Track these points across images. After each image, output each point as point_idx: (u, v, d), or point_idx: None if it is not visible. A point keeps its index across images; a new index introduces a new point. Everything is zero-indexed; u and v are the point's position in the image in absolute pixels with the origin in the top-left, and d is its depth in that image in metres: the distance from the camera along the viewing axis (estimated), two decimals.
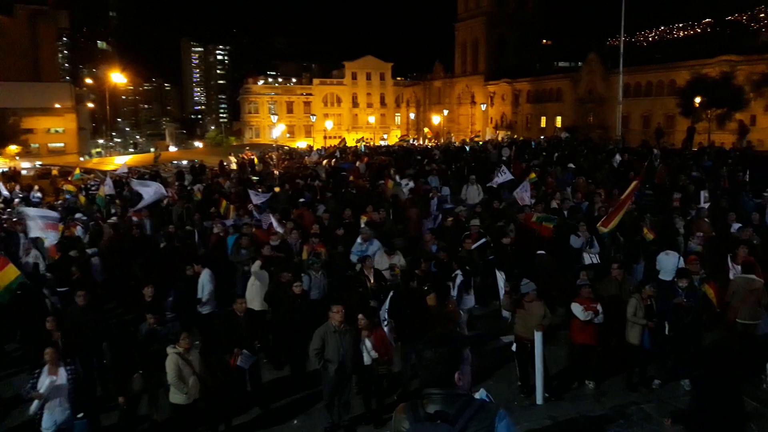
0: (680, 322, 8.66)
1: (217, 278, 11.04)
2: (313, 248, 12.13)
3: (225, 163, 34.26)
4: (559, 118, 69.12)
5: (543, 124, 72.27)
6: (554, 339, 9.59)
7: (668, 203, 15.55)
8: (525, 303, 8.75)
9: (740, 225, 12.45)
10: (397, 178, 20.68)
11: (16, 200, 22.52)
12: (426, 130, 70.87)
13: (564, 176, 20.35)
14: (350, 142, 61.42)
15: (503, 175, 19.04)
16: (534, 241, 12.52)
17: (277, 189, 20.48)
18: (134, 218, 16.15)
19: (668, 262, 10.92)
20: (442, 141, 52.63)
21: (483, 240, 12.18)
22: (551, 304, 9.40)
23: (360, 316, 8.11)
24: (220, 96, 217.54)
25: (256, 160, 37.83)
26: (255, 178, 26.36)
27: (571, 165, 22.31)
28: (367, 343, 7.98)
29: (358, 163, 27.88)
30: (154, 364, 7.91)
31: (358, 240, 12.03)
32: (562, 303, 10.57)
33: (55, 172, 37.49)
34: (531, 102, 74.91)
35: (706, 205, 14.59)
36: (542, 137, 49.48)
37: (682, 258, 11.01)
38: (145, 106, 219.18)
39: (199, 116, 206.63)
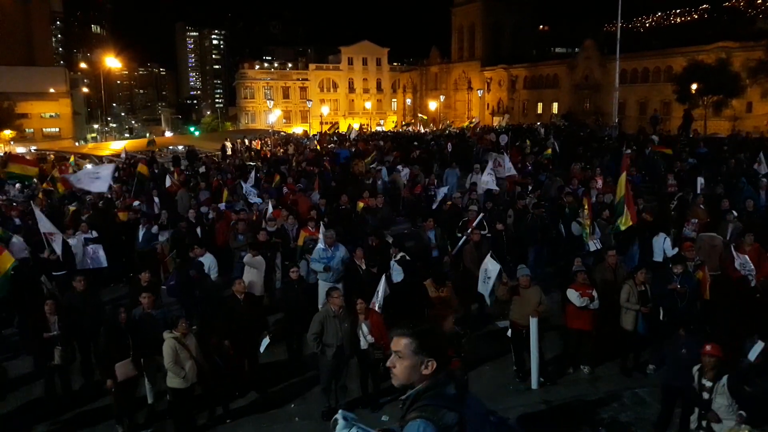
0: (674, 307, 8.70)
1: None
2: (310, 233, 12.12)
3: (228, 147, 34.28)
4: (555, 105, 68.99)
5: (539, 110, 72.11)
6: (549, 325, 9.63)
7: (663, 189, 15.61)
8: (520, 289, 8.77)
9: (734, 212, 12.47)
10: (399, 167, 20.54)
11: (17, 185, 22.37)
12: (421, 116, 70.55)
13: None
14: (344, 128, 61.16)
15: (506, 168, 18.54)
16: (531, 227, 12.54)
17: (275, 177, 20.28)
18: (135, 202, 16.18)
19: (656, 244, 11.15)
20: (441, 126, 52.38)
21: (481, 215, 12.20)
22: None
23: (358, 300, 8.14)
24: (215, 81, 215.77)
25: (257, 144, 37.81)
26: (251, 163, 26.26)
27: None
28: (364, 327, 8.01)
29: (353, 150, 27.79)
30: (151, 348, 7.93)
31: (320, 245, 10.43)
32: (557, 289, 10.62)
33: (51, 157, 37.24)
34: (528, 88, 74.67)
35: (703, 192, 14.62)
36: (538, 123, 49.34)
37: (668, 238, 11.13)
38: (141, 91, 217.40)
39: (195, 101, 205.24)
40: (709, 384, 5.99)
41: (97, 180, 16.49)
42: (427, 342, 2.63)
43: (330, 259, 10.19)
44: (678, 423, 6.95)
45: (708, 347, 6.06)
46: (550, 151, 21.95)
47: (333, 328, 7.84)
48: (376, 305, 8.45)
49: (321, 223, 11.35)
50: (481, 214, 12.44)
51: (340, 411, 2.66)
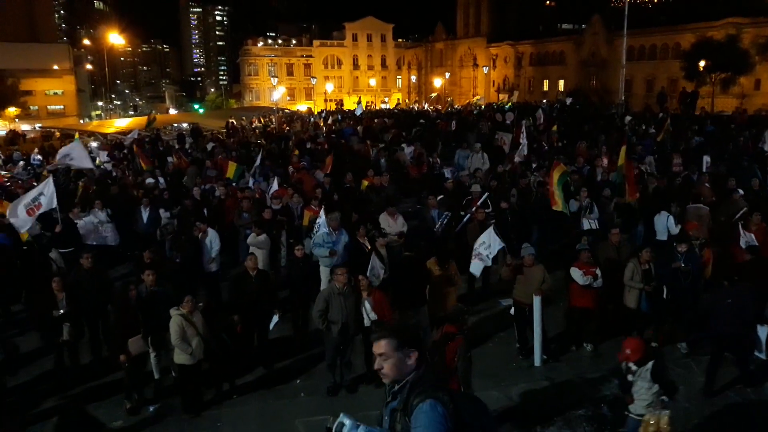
0: (678, 285, 8.71)
1: (221, 240, 11.15)
2: (314, 213, 12.14)
3: (233, 123, 34.18)
4: (561, 82, 68.28)
5: (546, 87, 71.41)
6: (553, 303, 9.66)
7: (669, 168, 15.52)
8: (524, 268, 8.78)
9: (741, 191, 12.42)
10: (403, 144, 20.47)
11: (20, 163, 22.44)
12: (434, 95, 70.00)
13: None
14: (350, 105, 60.80)
15: (523, 146, 18.31)
16: (535, 206, 12.52)
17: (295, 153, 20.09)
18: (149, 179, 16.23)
19: (659, 223, 11.17)
20: (442, 105, 52.06)
21: (486, 194, 12.19)
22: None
23: (361, 277, 8.18)
24: (219, 58, 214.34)
25: (258, 122, 37.71)
26: (259, 141, 26.20)
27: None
28: (367, 304, 8.06)
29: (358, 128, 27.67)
30: (158, 325, 8.02)
31: (324, 229, 10.14)
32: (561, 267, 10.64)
33: (57, 134, 37.23)
34: (534, 65, 73.83)
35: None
36: (544, 101, 48.91)
37: (671, 217, 11.13)
38: (144, 68, 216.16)
39: (199, 78, 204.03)
40: (634, 368, 6.09)
41: (84, 158, 16.67)
42: (404, 336, 2.89)
43: (335, 244, 10.00)
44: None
45: (627, 351, 6.11)
46: (556, 127, 21.85)
47: (338, 305, 7.90)
48: (367, 280, 8.46)
49: (323, 206, 11.10)
50: (486, 193, 12.43)
51: (342, 414, 2.78)
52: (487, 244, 9.72)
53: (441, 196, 12.72)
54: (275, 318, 8.91)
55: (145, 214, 12.88)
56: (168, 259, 11.02)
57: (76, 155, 16.67)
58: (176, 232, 11.95)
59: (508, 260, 9.41)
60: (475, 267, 9.87)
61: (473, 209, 11.67)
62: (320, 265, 10.20)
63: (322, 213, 10.40)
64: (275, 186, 14.07)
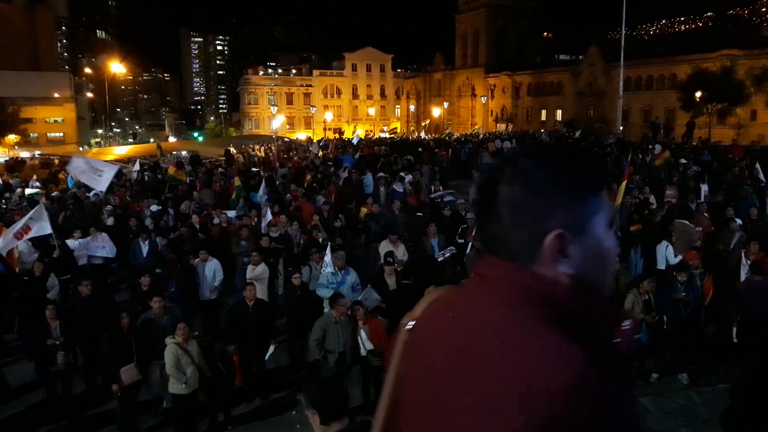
0: (678, 316, 8.67)
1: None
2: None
3: (233, 153, 34.44)
4: (559, 112, 69.00)
5: (543, 117, 72.13)
6: None
7: (661, 197, 15.68)
8: None
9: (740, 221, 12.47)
10: (402, 173, 20.58)
11: (18, 190, 22.50)
12: (425, 122, 70.69)
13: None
14: (350, 134, 61.33)
15: None
16: None
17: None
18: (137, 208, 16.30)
19: (659, 252, 11.22)
20: (443, 133, 52.53)
21: (451, 250, 11.69)
22: None
23: (357, 306, 8.15)
24: (219, 87, 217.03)
25: (260, 152, 37.98)
26: (255, 169, 26.38)
27: None
28: (362, 333, 8.01)
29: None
30: (153, 353, 7.95)
31: (329, 269, 9.77)
32: None
33: (56, 161, 37.41)
34: (532, 95, 74.74)
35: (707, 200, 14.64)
36: (542, 131, 49.39)
37: (670, 246, 11.16)
38: (145, 96, 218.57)
39: (199, 107, 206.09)
40: None
41: (99, 178, 16.63)
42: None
43: (340, 284, 9.60)
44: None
45: None
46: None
47: (334, 334, 7.85)
48: (363, 308, 8.44)
49: (329, 245, 10.72)
50: (450, 250, 12.39)
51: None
52: None
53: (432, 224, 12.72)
54: (271, 348, 8.85)
55: (144, 248, 12.67)
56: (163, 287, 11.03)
57: (106, 175, 16.74)
58: (170, 260, 11.97)
59: None
60: None
61: (471, 240, 11.71)
62: (324, 303, 9.89)
63: (328, 252, 10.10)
64: (269, 214, 14.13)
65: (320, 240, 12.20)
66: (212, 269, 10.88)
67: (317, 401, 3.12)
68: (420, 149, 31.05)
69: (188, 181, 21.81)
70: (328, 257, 9.93)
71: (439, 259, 11.17)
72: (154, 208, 16.20)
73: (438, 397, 0.94)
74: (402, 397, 1.07)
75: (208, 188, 19.38)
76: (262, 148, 41.98)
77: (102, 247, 12.86)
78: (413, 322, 1.10)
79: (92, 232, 13.02)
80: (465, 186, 20.00)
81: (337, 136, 51.35)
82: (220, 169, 25.62)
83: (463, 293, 1.08)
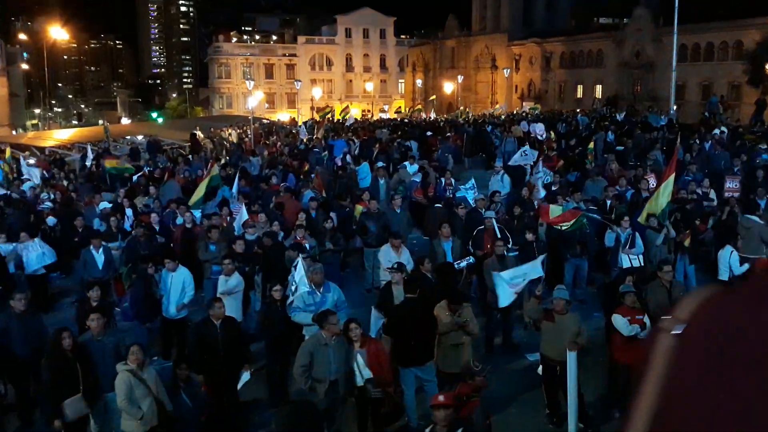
0: None
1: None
2: (297, 242, 12.17)
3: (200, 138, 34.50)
4: (599, 87, 68.97)
5: (579, 93, 72.10)
6: (591, 358, 9.61)
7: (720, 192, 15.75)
8: (555, 315, 8.75)
9: None
10: (406, 162, 20.64)
11: None
12: (431, 99, 70.41)
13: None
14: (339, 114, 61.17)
15: (524, 156, 19.09)
16: (569, 237, 12.58)
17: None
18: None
19: (722, 259, 11.28)
20: (459, 113, 52.44)
21: (494, 219, 12.24)
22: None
23: (352, 325, 8.14)
24: (183, 57, 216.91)
25: (233, 137, 38.03)
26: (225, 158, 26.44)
27: (619, 147, 22.57)
28: (359, 358, 8.00)
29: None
30: (102, 382, 7.94)
31: (304, 287, 9.51)
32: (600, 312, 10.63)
33: None
34: (565, 67, 74.71)
35: None
36: (578, 110, 49.41)
37: (735, 252, 11.21)
38: (92, 68, 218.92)
39: (158, 81, 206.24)
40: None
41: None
42: None
43: (320, 305, 9.29)
44: None
45: (440, 397, 6.28)
46: (593, 144, 22.25)
47: (324, 360, 7.84)
48: (360, 328, 8.45)
49: (300, 256, 10.41)
50: (493, 219, 12.58)
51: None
52: (524, 275, 9.77)
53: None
54: (245, 376, 8.83)
55: (99, 257, 12.54)
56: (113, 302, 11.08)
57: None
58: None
59: (537, 290, 9.37)
60: (506, 295, 9.87)
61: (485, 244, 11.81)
62: (304, 330, 9.74)
63: (299, 265, 9.80)
64: (243, 212, 14.14)
65: (305, 245, 12.22)
66: (181, 281, 10.88)
67: (288, 427, 3.10)
68: (429, 133, 31.03)
69: (146, 171, 21.85)
70: (300, 272, 9.73)
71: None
72: (103, 205, 16.21)
73: (735, 410, 0.98)
74: (672, 413, 1.09)
75: (171, 180, 19.40)
76: (236, 131, 42.01)
77: (41, 253, 12.80)
78: (681, 326, 1.11)
79: (23, 238, 12.99)
80: (483, 178, 19.97)
81: (317, 116, 51.13)
82: (183, 158, 25.51)
83: (758, 293, 1.11)
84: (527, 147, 20.57)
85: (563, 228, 12.28)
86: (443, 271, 10.76)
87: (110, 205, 16.35)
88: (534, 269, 9.79)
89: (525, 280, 9.90)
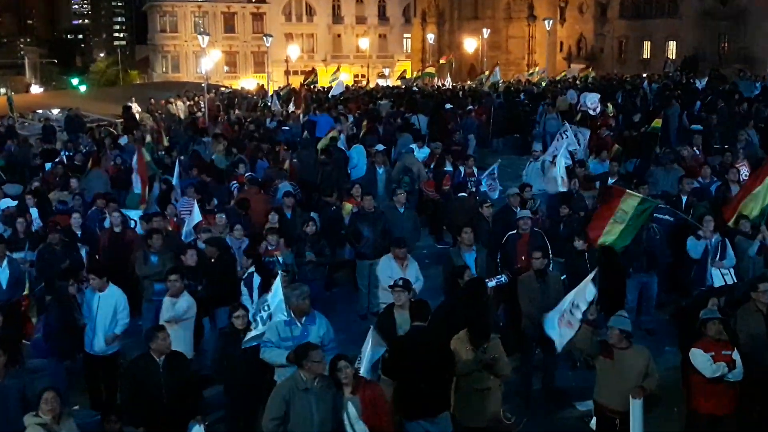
0: None
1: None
2: (268, 252, 12.16)
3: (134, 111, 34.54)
4: (672, 45, 68.86)
5: (646, 53, 71.94)
6: (661, 407, 9.62)
7: None
8: (614, 350, 8.74)
9: None
10: (414, 145, 20.68)
11: None
12: (445, 59, 69.96)
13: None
14: (326, 81, 61.01)
15: (564, 140, 18.92)
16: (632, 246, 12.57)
17: None
18: None
19: None
20: (483, 78, 52.27)
21: (499, 279, 11.96)
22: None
23: (342, 363, 8.13)
24: (113, 3, 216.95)
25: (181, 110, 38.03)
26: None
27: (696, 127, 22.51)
28: (350, 408, 7.99)
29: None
30: None
31: (281, 314, 9.30)
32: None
33: None
34: (627, 17, 74.53)
35: None
36: (644, 75, 49.33)
37: None
38: None
39: (80, 37, 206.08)
40: None
41: None
42: None
43: (300, 341, 9.04)
44: None
45: None
46: (659, 122, 22.05)
47: (305, 411, 7.83)
48: (362, 369, 8.50)
49: (279, 273, 10.27)
50: (500, 278, 12.41)
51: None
52: (578, 302, 9.69)
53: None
54: (197, 429, 8.81)
55: (2, 275, 12.31)
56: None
57: None
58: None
59: (589, 314, 9.32)
60: (562, 335, 9.80)
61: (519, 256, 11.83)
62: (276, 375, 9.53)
63: (277, 285, 9.53)
64: (196, 212, 14.18)
65: (277, 258, 12.22)
66: (111, 305, 10.84)
67: None
68: (449, 105, 30.89)
69: (64, 157, 21.82)
70: (277, 294, 9.45)
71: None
72: (5, 203, 16.12)
73: None
74: None
75: (96, 169, 19.45)
76: (186, 103, 41.93)
77: None
78: None
79: None
80: (516, 166, 20.01)
81: (290, 83, 51.01)
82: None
83: None
84: (568, 128, 20.20)
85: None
86: (472, 290, 10.70)
87: (15, 202, 16.30)
88: (587, 290, 9.75)
89: (578, 308, 9.76)
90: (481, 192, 16.62)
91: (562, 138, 19.37)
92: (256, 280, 11.78)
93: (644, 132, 22.48)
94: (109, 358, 10.97)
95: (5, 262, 12.43)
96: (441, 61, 70.41)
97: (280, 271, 10.51)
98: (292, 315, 9.34)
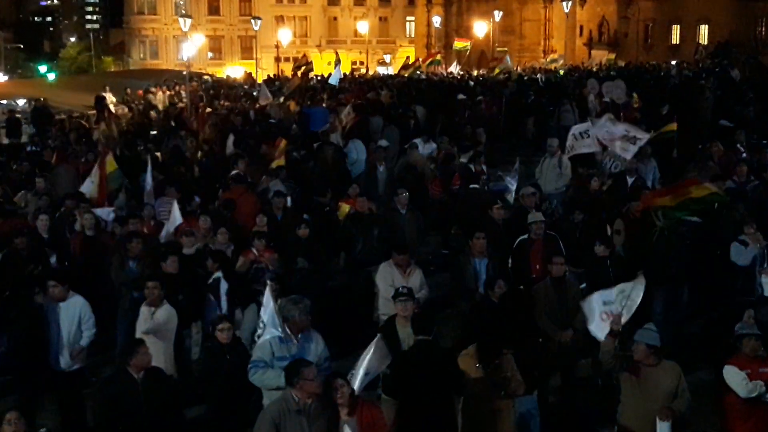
0: None
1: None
2: (255, 258, 12.16)
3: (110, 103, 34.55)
4: (703, 29, 68.86)
5: (675, 38, 71.99)
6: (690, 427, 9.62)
7: None
8: (642, 366, 8.72)
9: None
10: (418, 140, 20.66)
11: None
12: (461, 44, 69.94)
13: None
14: (320, 68, 61.12)
15: (583, 141, 18.78)
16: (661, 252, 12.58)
17: None
18: None
19: None
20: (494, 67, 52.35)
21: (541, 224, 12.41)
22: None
23: (338, 381, 8.12)
24: None
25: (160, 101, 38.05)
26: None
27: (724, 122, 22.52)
28: (347, 430, 7.99)
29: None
30: None
31: (275, 330, 9.15)
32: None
33: None
34: (654, 0, 74.61)
35: None
36: (673, 63, 49.31)
37: None
38: None
39: (49, 19, 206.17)
40: None
41: None
42: None
43: (290, 356, 9.02)
44: None
45: None
46: (674, 126, 21.58)
47: None
48: (355, 384, 8.45)
49: (268, 283, 10.14)
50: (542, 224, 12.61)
51: None
52: (624, 295, 9.72)
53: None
54: None
55: None
56: None
57: None
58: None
59: (613, 323, 9.30)
60: (598, 327, 9.83)
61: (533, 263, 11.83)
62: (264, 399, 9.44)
63: (267, 297, 9.43)
64: (176, 214, 14.19)
65: (266, 265, 12.22)
66: (74, 314, 10.80)
67: None
68: (462, 96, 30.87)
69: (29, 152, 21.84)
70: (269, 308, 9.36)
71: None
72: None
73: None
74: None
75: (63, 165, 19.48)
76: (165, 93, 41.96)
77: None
78: None
79: None
80: (530, 163, 20.01)
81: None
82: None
83: None
84: (588, 126, 19.81)
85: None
86: (513, 301, 10.71)
87: None
88: (637, 288, 9.74)
89: (626, 305, 9.71)
90: (496, 192, 16.53)
91: (583, 137, 19.16)
92: (223, 285, 11.81)
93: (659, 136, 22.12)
94: (74, 374, 10.85)
95: None
96: (457, 45, 70.03)
97: (269, 281, 10.35)
98: (287, 331, 9.20)
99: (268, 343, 9.13)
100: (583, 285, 11.70)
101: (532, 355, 9.96)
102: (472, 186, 16.22)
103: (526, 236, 12.70)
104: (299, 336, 9.26)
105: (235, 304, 11.61)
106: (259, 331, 9.36)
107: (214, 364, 9.87)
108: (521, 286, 11.80)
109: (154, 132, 27.37)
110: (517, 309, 10.39)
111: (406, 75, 46.52)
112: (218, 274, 11.75)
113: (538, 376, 10.15)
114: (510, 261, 12.70)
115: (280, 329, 9.09)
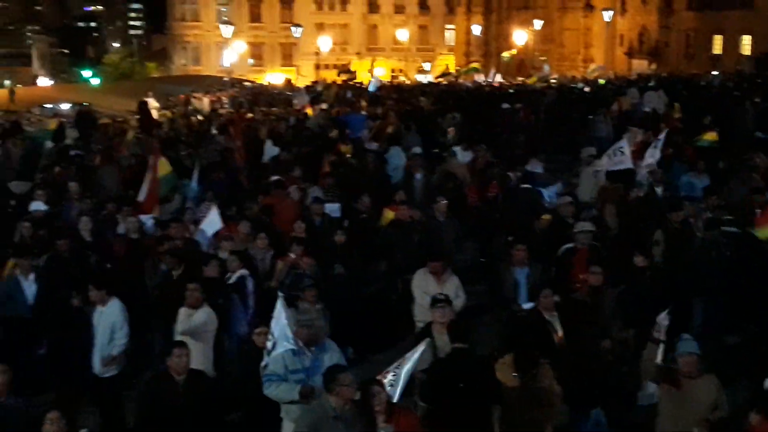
0: None
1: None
2: (293, 263, 12.18)
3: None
4: (746, 39, 68.24)
5: (717, 48, 71.36)
6: None
7: None
8: (681, 378, 8.64)
9: None
10: (457, 148, 20.67)
11: None
12: (508, 54, 69.66)
13: None
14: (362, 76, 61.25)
15: (617, 158, 18.59)
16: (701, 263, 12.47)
17: None
18: None
19: None
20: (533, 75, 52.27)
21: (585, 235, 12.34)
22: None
23: (375, 388, 8.10)
24: None
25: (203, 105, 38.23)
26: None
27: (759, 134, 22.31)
28: None
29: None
30: None
31: (288, 343, 8.88)
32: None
33: None
34: (695, 8, 74.04)
35: None
36: (714, 73, 48.90)
37: None
38: None
39: (93, 25, 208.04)
40: None
41: None
42: None
43: (311, 372, 8.90)
44: None
45: None
46: (714, 135, 21.29)
47: None
48: (395, 395, 8.44)
49: (280, 296, 9.72)
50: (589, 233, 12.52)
51: None
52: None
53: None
54: None
55: (28, 288, 12.25)
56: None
57: None
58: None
59: (655, 331, 9.21)
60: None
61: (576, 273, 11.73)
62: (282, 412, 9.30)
63: (279, 309, 9.18)
64: (216, 218, 14.25)
65: (304, 270, 12.23)
66: (109, 321, 10.78)
67: None
68: (506, 105, 30.77)
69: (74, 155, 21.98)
70: (280, 318, 9.13)
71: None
72: (36, 206, 16.14)
73: None
74: None
75: (108, 166, 19.67)
76: (207, 99, 42.23)
77: None
78: None
79: None
80: (567, 172, 19.89)
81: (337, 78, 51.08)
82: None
83: None
84: (624, 143, 19.55)
85: None
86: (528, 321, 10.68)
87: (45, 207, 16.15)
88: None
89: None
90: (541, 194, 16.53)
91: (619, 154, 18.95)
92: (249, 284, 11.87)
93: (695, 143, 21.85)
94: (109, 381, 10.85)
95: (32, 276, 12.39)
96: (504, 55, 70.23)
97: (280, 293, 10.07)
98: (299, 344, 8.98)
99: (281, 357, 8.94)
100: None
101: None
102: (523, 186, 16.21)
103: (571, 245, 12.64)
104: (313, 348, 9.08)
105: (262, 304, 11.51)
106: (269, 345, 9.12)
107: (250, 368, 9.88)
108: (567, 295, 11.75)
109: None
110: (576, 318, 10.35)
111: (444, 83, 46.57)
112: (243, 271, 11.73)
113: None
114: (553, 270, 12.61)
115: (292, 341, 8.89)
